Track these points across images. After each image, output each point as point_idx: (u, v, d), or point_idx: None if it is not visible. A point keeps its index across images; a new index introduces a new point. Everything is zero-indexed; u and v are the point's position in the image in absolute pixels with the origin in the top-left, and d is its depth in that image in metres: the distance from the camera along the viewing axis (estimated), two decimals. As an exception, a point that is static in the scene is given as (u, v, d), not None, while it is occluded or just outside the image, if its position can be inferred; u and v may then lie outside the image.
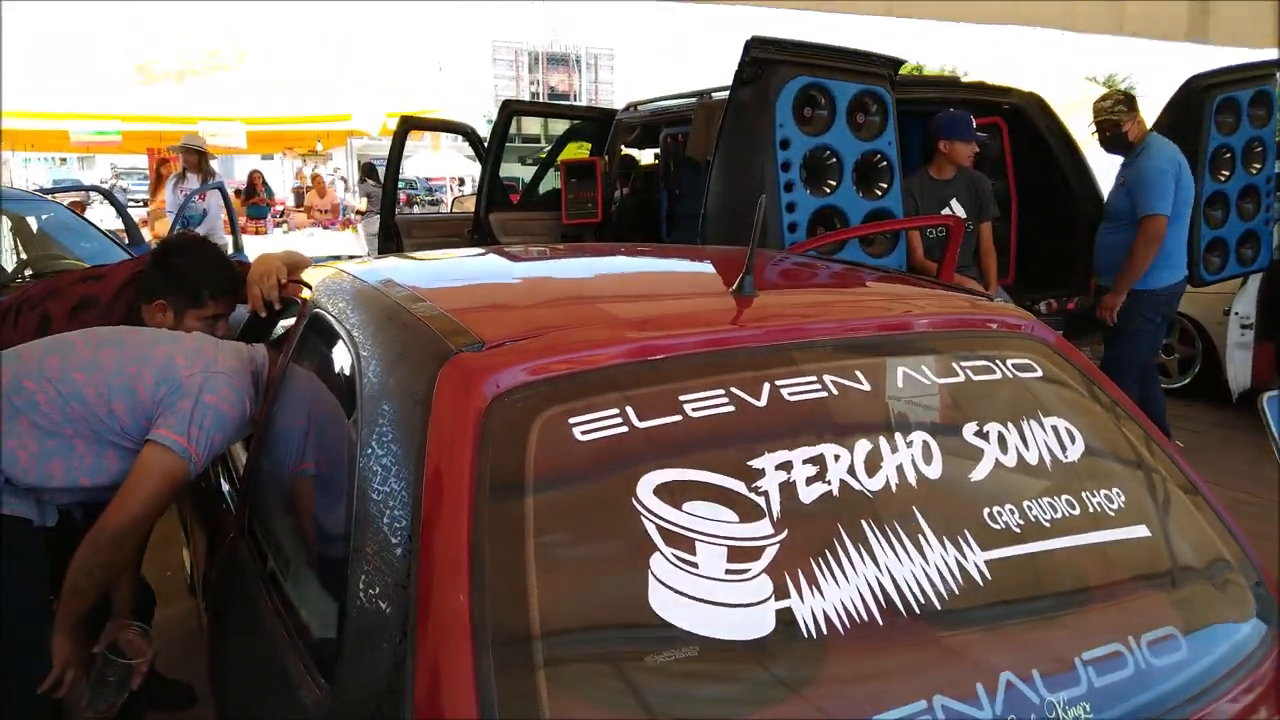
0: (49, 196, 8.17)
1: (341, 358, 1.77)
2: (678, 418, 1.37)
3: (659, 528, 1.23)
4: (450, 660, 1.09)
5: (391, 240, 7.17)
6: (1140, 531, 1.55)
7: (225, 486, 2.41)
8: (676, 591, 1.18)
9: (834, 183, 4.32)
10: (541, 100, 29.76)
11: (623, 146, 7.49)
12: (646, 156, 8.45)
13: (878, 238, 4.51)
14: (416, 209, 20.48)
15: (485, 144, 7.39)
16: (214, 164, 8.71)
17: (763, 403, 1.43)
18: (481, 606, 1.12)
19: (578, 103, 32.07)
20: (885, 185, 4.47)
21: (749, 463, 1.34)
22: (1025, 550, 1.42)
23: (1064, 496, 1.50)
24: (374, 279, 1.97)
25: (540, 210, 7.45)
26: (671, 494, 1.26)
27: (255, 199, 14.92)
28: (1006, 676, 1.29)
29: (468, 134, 8.11)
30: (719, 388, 1.43)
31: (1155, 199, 4.79)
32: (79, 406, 2.07)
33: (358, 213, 15.53)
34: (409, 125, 7.63)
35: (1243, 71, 5.62)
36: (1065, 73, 18.47)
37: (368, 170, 16.26)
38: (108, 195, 9.29)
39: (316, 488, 1.89)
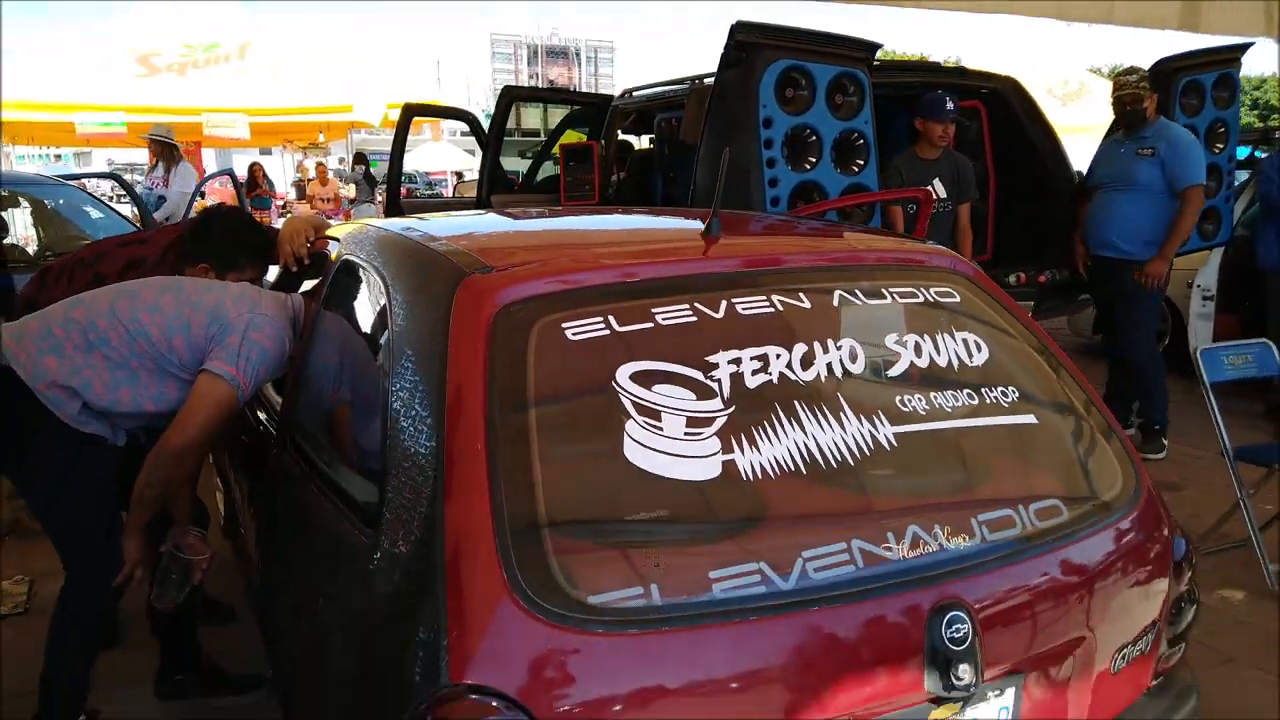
0: (70, 182, 8.44)
1: (372, 290, 2.10)
2: (650, 325, 1.70)
3: (633, 402, 1.56)
4: (473, 487, 1.42)
5: (398, 222, 7.46)
6: (1029, 419, 1.88)
7: (263, 416, 2.74)
8: (645, 446, 1.51)
9: (814, 159, 4.63)
10: (541, 92, 29.96)
11: (619, 131, 7.78)
12: (642, 141, 8.75)
13: (855, 211, 4.81)
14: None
15: (486, 131, 7.69)
16: (211, 154, 8.71)
17: (720, 314, 1.75)
18: (494, 452, 1.45)
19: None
20: (862, 162, 4.77)
21: (706, 358, 1.66)
22: (929, 428, 1.74)
23: (965, 390, 1.83)
24: (395, 229, 2.29)
25: (540, 194, 7.76)
26: (643, 379, 1.59)
27: (257, 191, 15.27)
28: (913, 529, 1.62)
29: (469, 120, 8.37)
30: (684, 303, 1.75)
31: (1198, 170, 5.16)
32: (144, 343, 2.40)
33: (350, 201, 16.03)
34: (412, 112, 7.90)
35: (1207, 55, 5.87)
36: (1067, 64, 18.66)
37: (359, 160, 16.82)
38: (120, 180, 9.54)
39: (354, 389, 2.21)
